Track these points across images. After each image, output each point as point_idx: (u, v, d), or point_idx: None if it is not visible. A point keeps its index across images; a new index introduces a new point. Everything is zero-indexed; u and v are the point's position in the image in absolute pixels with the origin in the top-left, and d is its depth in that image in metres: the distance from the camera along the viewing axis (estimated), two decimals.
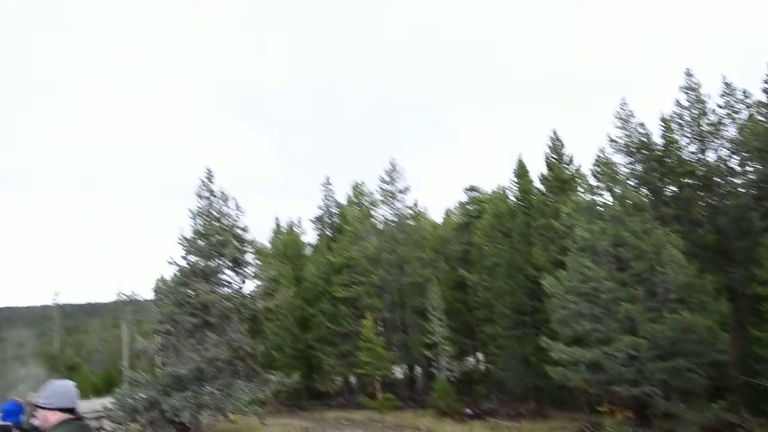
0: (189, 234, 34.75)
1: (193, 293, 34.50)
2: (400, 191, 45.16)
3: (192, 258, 34.68)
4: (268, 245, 50.86)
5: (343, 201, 50.44)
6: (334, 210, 50.17)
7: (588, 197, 29.36)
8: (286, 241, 48.75)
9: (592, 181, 29.53)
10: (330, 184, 50.14)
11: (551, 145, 36.10)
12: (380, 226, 45.36)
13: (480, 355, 45.10)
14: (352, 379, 46.36)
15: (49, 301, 61.46)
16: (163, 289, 41.62)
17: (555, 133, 36.15)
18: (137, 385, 32.97)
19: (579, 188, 31.62)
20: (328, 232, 49.73)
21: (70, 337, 63.85)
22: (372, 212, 46.22)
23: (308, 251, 49.96)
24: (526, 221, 35.97)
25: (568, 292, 26.83)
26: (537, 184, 37.22)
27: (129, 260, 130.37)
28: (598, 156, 29.53)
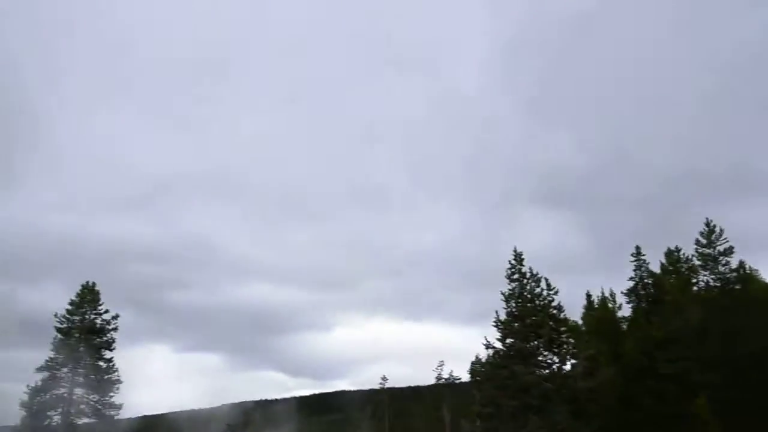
0: (503, 316, 35.50)
1: (511, 375, 34.80)
2: (721, 253, 41.29)
3: (509, 340, 35.20)
4: (581, 322, 49.49)
5: (657, 269, 47.39)
6: (648, 280, 47.34)
7: None
8: (600, 316, 47.00)
9: None
10: (642, 254, 47.59)
11: None
12: (703, 294, 41.68)
13: None
14: None
15: (377, 386, 66.47)
16: (480, 371, 42.73)
17: None
18: None
19: None
20: (643, 304, 46.86)
21: (397, 420, 67.73)
22: (692, 279, 42.77)
23: (624, 325, 47.46)
24: None
25: None
26: None
27: (446, 344, 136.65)
28: None
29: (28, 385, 40.95)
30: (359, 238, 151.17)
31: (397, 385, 74.92)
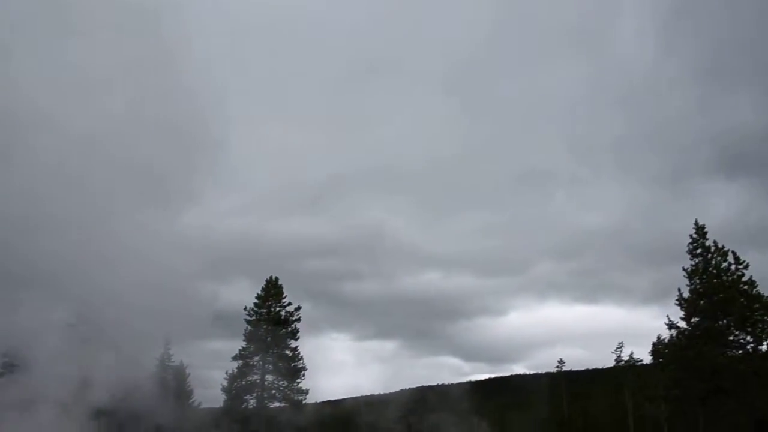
0: (687, 294, 33.56)
1: (699, 356, 32.84)
2: None
3: (694, 319, 33.28)
4: None
5: None
6: None
7: None
8: None
9: None
10: None
11: None
12: None
13: None
14: None
15: (553, 369, 65.10)
16: (664, 352, 40.63)
17: None
18: None
19: None
20: None
21: (576, 403, 66.04)
22: None
23: None
24: None
25: None
26: None
27: (624, 325, 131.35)
28: None
29: (226, 372, 44.80)
30: (527, 221, 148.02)
31: (574, 368, 72.98)
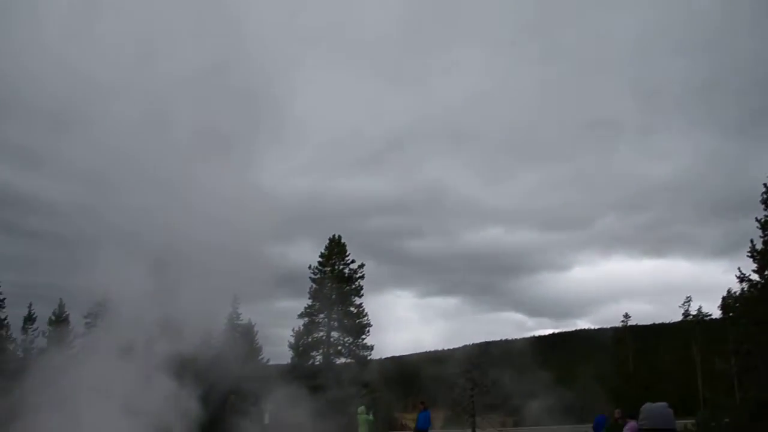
0: (760, 245, 32.55)
1: None
2: None
3: (767, 272, 32.31)
4: None
5: None
6: None
7: None
8: None
9: None
10: None
11: None
12: None
13: None
14: None
15: (619, 324, 64.26)
16: (734, 306, 39.71)
17: None
18: (719, 409, 31.97)
19: None
20: None
21: (641, 358, 65.31)
22: None
23: None
24: None
25: None
26: None
27: (692, 279, 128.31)
28: None
29: (293, 329, 46.00)
30: (591, 173, 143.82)
31: (640, 323, 71.99)
